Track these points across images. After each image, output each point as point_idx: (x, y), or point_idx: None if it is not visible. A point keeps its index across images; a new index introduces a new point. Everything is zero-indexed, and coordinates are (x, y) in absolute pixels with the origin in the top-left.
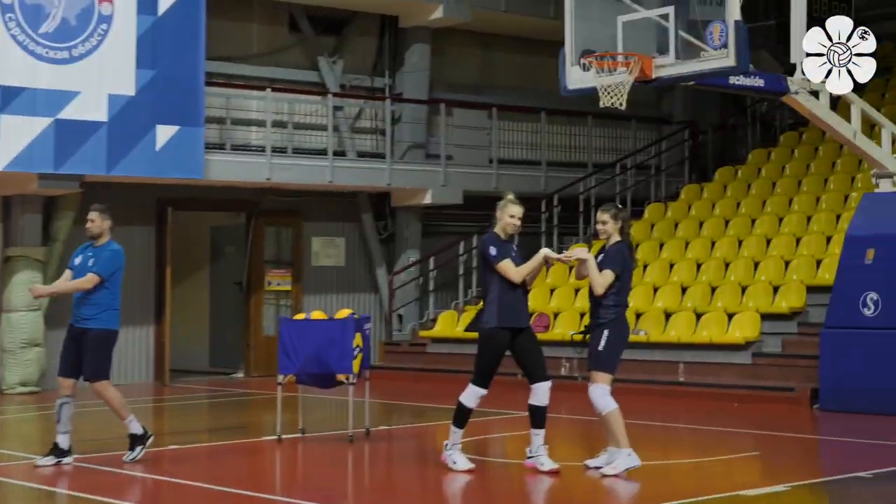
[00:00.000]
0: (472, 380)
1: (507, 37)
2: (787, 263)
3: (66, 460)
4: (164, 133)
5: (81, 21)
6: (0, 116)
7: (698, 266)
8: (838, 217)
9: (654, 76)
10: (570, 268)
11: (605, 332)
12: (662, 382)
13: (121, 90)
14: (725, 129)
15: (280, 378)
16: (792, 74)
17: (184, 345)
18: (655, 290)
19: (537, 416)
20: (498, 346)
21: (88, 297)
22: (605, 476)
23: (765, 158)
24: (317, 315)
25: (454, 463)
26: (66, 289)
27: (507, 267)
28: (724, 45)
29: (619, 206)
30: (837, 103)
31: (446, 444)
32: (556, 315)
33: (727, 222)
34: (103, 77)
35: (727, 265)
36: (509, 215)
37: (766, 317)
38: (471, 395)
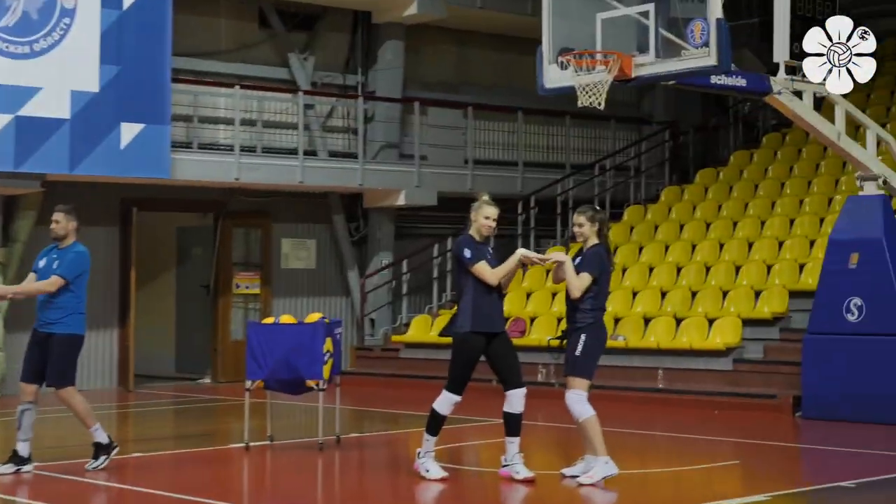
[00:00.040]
0: (445, 386)
1: (484, 34)
2: (769, 267)
3: (25, 468)
4: (129, 131)
5: (43, 15)
6: None
7: (678, 270)
8: (822, 220)
9: (633, 75)
10: (547, 271)
11: (583, 337)
12: (641, 389)
13: (84, 86)
14: (707, 129)
15: (248, 384)
16: (775, 74)
17: (149, 349)
18: (634, 294)
19: (512, 424)
20: (472, 352)
21: (53, 301)
22: (581, 485)
23: (747, 160)
24: (286, 319)
25: (427, 471)
26: (28, 291)
27: (483, 269)
28: (706, 44)
29: (597, 207)
30: (821, 104)
31: (419, 452)
32: (532, 320)
33: (708, 225)
34: (66, 73)
35: (708, 269)
36: (484, 217)
37: (747, 322)
38: (444, 402)
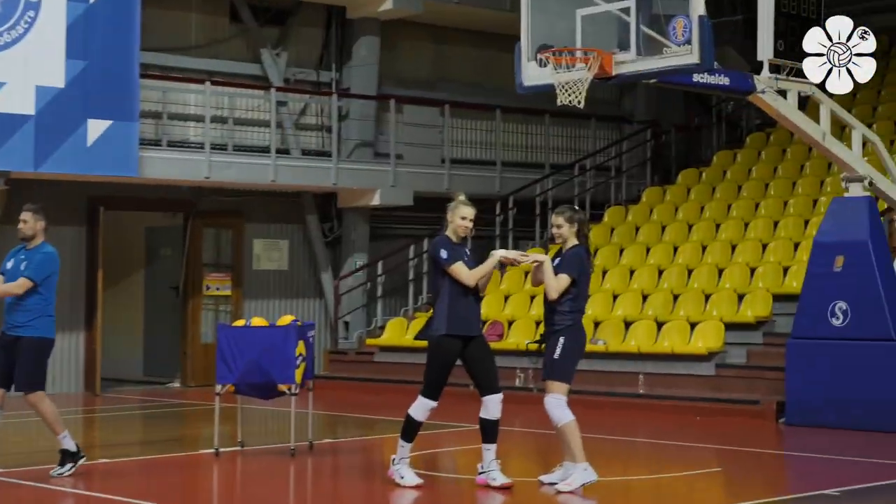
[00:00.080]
0: (421, 391)
1: (461, 30)
2: (752, 270)
3: None
4: (96, 128)
5: (7, 7)
6: None
7: (660, 273)
8: (806, 222)
9: (614, 73)
10: (526, 273)
11: (561, 340)
12: (621, 394)
13: (49, 82)
14: (689, 129)
15: (218, 388)
16: (759, 72)
17: (116, 352)
18: (615, 297)
19: (489, 431)
20: (448, 356)
21: (20, 303)
22: (560, 492)
23: (730, 160)
24: (257, 322)
25: (402, 478)
26: None
27: (460, 269)
28: (688, 42)
29: (575, 207)
30: (806, 103)
31: (394, 459)
32: (510, 323)
33: (690, 227)
34: (30, 68)
35: (690, 272)
36: (460, 217)
37: (730, 326)
38: (420, 408)
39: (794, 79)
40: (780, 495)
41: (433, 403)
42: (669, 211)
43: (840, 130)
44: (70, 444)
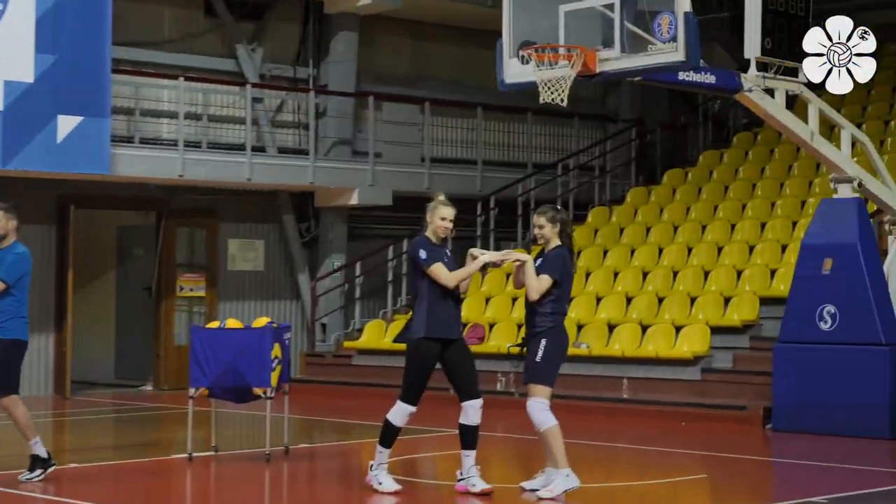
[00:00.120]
0: (399, 396)
1: (442, 26)
2: (739, 273)
3: None
4: (67, 124)
5: None
6: None
7: (644, 275)
8: (794, 224)
9: (597, 71)
10: (508, 275)
11: (543, 342)
12: (605, 399)
13: (18, 76)
14: (675, 128)
15: (192, 391)
16: (746, 70)
17: (87, 354)
18: (598, 300)
19: (468, 437)
20: (427, 359)
21: None
22: (541, 499)
23: (717, 160)
24: (232, 323)
25: (380, 484)
26: None
27: (439, 271)
28: (673, 39)
29: (557, 207)
30: (794, 102)
31: (372, 465)
32: (491, 326)
33: (676, 228)
34: None
35: (675, 274)
36: (440, 218)
37: (716, 330)
38: (399, 413)
39: (781, 77)
40: (766, 502)
41: (412, 408)
42: (654, 212)
43: (829, 130)
44: (41, 451)
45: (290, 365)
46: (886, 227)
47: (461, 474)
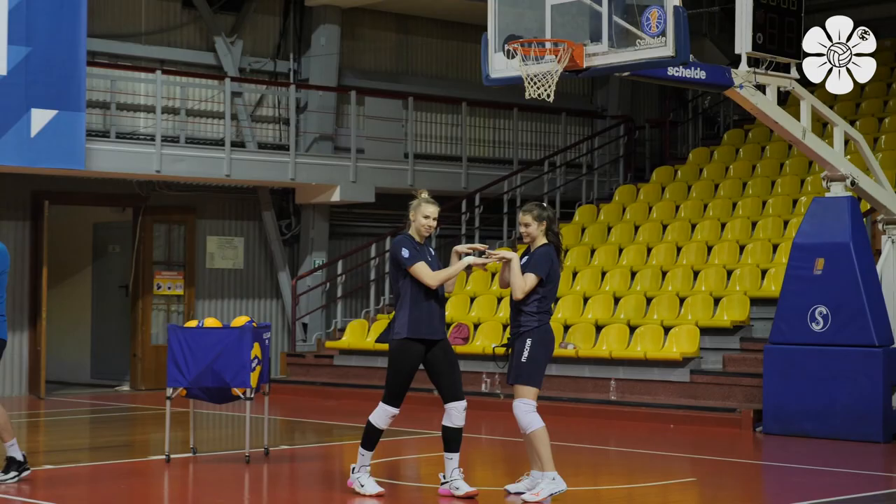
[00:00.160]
0: (382, 398)
1: (426, 19)
2: (729, 273)
3: None
4: (41, 118)
5: None
6: None
7: (633, 274)
8: (786, 223)
9: (585, 66)
10: (493, 274)
11: (528, 342)
12: (592, 401)
13: None
14: (664, 124)
15: (169, 392)
16: (737, 66)
17: (62, 354)
18: (586, 300)
19: (451, 439)
20: (410, 361)
21: None
22: (526, 502)
23: (707, 158)
24: (211, 323)
25: (362, 487)
26: None
27: (422, 270)
28: (663, 33)
29: (543, 204)
30: (786, 99)
31: (354, 468)
32: (476, 326)
33: (665, 227)
34: None
35: (664, 274)
36: (423, 216)
37: (705, 331)
38: (381, 415)
39: (773, 73)
40: None
41: (395, 410)
42: (643, 210)
43: (821, 127)
44: (17, 453)
45: (271, 365)
46: (880, 226)
47: (444, 477)
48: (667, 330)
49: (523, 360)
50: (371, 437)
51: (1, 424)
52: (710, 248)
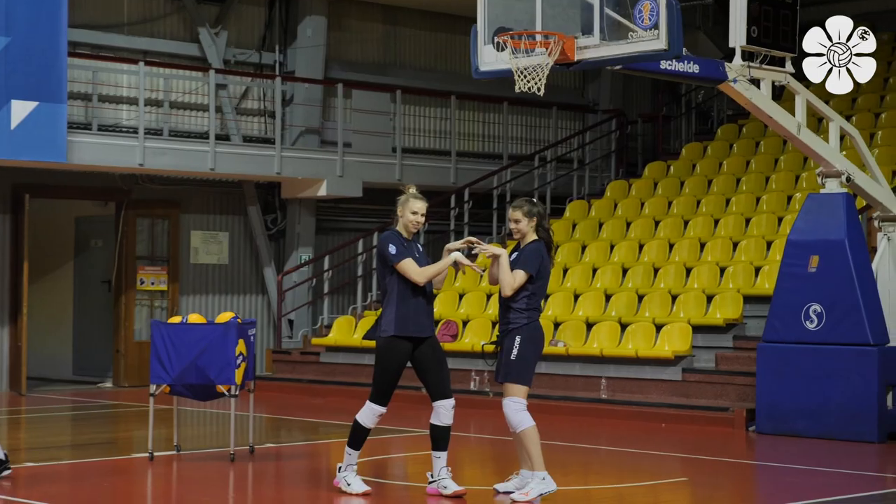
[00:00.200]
0: (369, 396)
1: (414, 11)
2: (722, 270)
3: None
4: (21, 109)
5: None
6: None
7: (624, 271)
8: (780, 220)
9: (576, 59)
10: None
11: (517, 339)
12: (582, 399)
13: None
14: (657, 119)
15: (153, 388)
16: (731, 60)
17: (44, 350)
18: (576, 296)
19: (439, 438)
20: (397, 359)
21: None
22: (515, 502)
23: (700, 153)
24: (195, 318)
25: (348, 486)
26: None
27: (409, 266)
28: (655, 26)
29: (533, 200)
30: (781, 93)
31: (340, 467)
32: (465, 323)
33: (657, 223)
34: None
35: (656, 271)
36: (411, 212)
37: (698, 329)
38: (368, 414)
39: (768, 67)
40: None
41: (382, 409)
42: (635, 206)
43: (817, 122)
44: None
45: (256, 362)
46: (875, 223)
47: (432, 476)
48: (659, 328)
49: (513, 357)
50: (358, 436)
51: None
52: (703, 245)
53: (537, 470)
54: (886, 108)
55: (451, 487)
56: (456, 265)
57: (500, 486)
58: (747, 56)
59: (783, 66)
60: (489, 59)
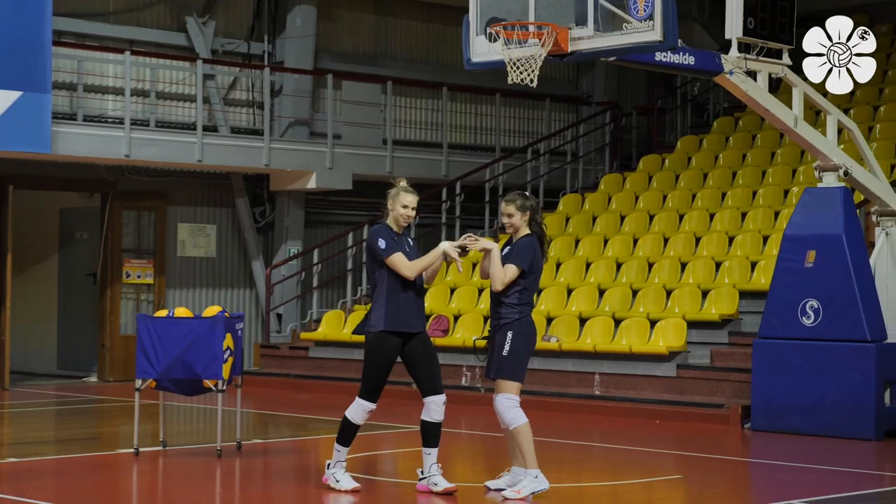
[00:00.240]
0: (358, 392)
1: (405, 0)
2: (718, 265)
3: None
4: (4, 99)
5: None
6: None
7: (618, 266)
8: (777, 214)
9: (570, 50)
10: (474, 264)
11: (509, 335)
12: (575, 396)
13: None
14: (652, 111)
15: (138, 383)
16: (727, 51)
17: (28, 344)
18: (569, 291)
19: (430, 434)
20: (386, 354)
21: None
22: (506, 499)
23: (695, 146)
24: (181, 312)
25: (337, 482)
26: None
27: (398, 260)
28: (650, 17)
29: (526, 194)
30: (778, 86)
31: (329, 464)
32: (456, 318)
33: (652, 217)
34: None
35: (651, 266)
36: (402, 205)
37: (693, 324)
38: (358, 410)
39: (764, 59)
40: None
41: (372, 405)
42: (629, 200)
43: (814, 115)
44: None
45: (243, 356)
46: (873, 217)
47: (423, 473)
48: (653, 323)
49: (504, 353)
50: (347, 433)
51: None
52: (698, 240)
53: (530, 468)
54: (885, 101)
55: (442, 484)
56: (447, 259)
57: (492, 484)
58: (744, 48)
59: (780, 58)
60: (481, 50)
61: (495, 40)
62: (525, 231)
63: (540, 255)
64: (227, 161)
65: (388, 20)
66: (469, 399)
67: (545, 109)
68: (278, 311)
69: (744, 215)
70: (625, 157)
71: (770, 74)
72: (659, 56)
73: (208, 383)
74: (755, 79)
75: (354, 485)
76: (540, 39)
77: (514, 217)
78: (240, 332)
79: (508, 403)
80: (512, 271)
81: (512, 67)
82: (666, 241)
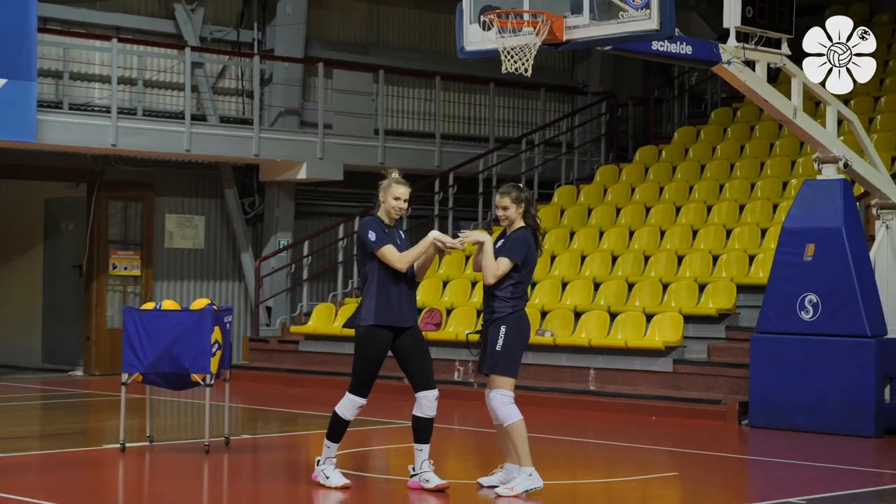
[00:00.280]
0: (349, 387)
1: None
2: (715, 258)
3: None
4: None
5: None
6: None
7: (614, 259)
8: (775, 207)
9: (565, 39)
10: (467, 257)
11: (502, 329)
12: (570, 391)
13: None
14: (648, 102)
15: (125, 377)
16: (725, 41)
17: (11, 337)
18: (564, 285)
19: (422, 430)
20: (377, 349)
21: None
22: (500, 496)
23: (693, 137)
24: (169, 305)
25: (327, 478)
26: None
27: (389, 253)
28: (647, 5)
29: (520, 186)
30: (777, 76)
31: (319, 460)
32: (449, 311)
33: (648, 209)
34: None
35: (647, 259)
36: (394, 197)
37: (689, 319)
38: (348, 406)
39: (763, 48)
40: (741, 502)
41: (362, 401)
42: (625, 191)
43: (814, 106)
44: None
45: (232, 350)
46: (874, 210)
47: (414, 469)
48: (649, 317)
49: (498, 348)
50: (337, 429)
51: None
52: (695, 233)
53: (524, 465)
54: (885, 91)
55: (434, 481)
56: (439, 249)
57: (484, 480)
58: (742, 37)
59: (779, 47)
60: (475, 38)
61: (489, 28)
62: (520, 224)
63: (534, 248)
64: (216, 151)
65: (380, 8)
66: (462, 394)
67: (540, 99)
68: (268, 303)
69: (742, 208)
70: (621, 148)
71: (769, 64)
72: (656, 45)
73: (196, 377)
74: (753, 69)
75: (344, 481)
76: (535, 28)
77: (510, 210)
78: (228, 325)
79: (503, 400)
80: (504, 265)
81: (506, 56)
82: (662, 233)
